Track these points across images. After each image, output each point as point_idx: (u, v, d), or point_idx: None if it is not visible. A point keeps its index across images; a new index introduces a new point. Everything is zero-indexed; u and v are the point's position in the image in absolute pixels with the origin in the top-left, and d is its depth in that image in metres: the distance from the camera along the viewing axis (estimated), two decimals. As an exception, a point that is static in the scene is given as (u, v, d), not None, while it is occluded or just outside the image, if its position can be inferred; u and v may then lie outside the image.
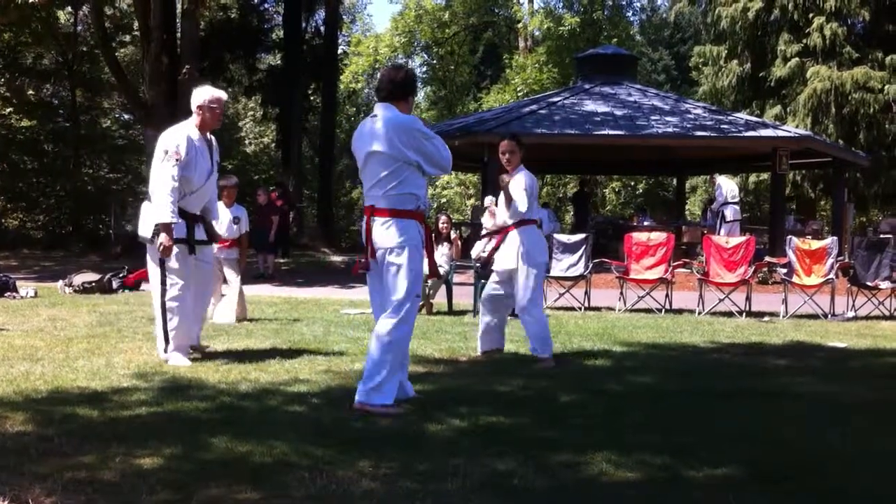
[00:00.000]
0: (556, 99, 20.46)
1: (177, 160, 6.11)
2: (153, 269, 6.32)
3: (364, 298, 10.42)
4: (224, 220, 8.95)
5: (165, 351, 6.30)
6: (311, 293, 12.80)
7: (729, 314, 10.47)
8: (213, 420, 4.54)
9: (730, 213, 17.25)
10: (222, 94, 6.52)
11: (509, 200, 6.63)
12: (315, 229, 27.79)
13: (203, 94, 6.36)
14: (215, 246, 8.69)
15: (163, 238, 5.99)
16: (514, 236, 6.67)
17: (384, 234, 4.85)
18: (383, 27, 53.48)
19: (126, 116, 31.39)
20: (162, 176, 6.11)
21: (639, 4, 43.28)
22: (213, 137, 6.56)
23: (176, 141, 6.18)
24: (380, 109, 4.97)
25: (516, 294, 6.70)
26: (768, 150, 17.71)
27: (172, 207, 6.04)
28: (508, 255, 6.70)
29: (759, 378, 6.28)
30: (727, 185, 17.71)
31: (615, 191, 36.64)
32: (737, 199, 17.40)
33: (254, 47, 27.63)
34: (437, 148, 4.91)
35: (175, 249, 6.12)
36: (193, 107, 6.38)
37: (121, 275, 12.84)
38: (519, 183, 6.59)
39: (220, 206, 8.97)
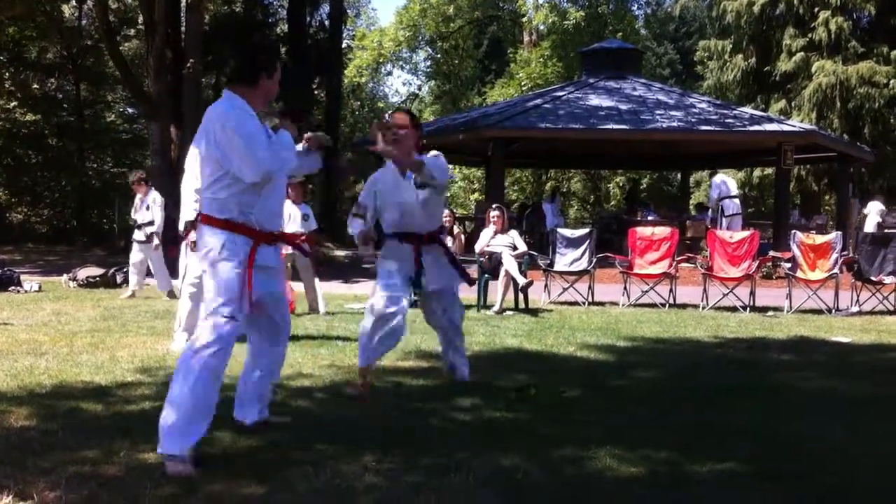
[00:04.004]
0: (560, 93, 20.44)
1: None
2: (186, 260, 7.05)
3: (368, 293, 10.47)
4: (296, 216, 9.48)
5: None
6: (315, 287, 12.78)
7: (733, 309, 10.45)
8: (217, 415, 4.52)
9: (730, 207, 17.23)
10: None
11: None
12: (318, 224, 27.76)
13: None
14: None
15: (191, 235, 6.55)
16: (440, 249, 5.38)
17: (199, 243, 3.98)
18: (388, 21, 53.49)
19: (130, 110, 31.42)
20: (185, 177, 6.71)
21: (643, -2, 43.18)
22: None
23: None
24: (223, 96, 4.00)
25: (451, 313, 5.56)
26: (773, 144, 17.69)
27: (195, 206, 6.54)
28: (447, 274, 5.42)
29: (763, 373, 6.27)
30: (726, 181, 17.73)
31: (619, 186, 36.58)
32: (736, 194, 17.46)
33: (258, 41, 27.65)
34: (250, 147, 3.76)
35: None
36: None
37: (125, 269, 12.86)
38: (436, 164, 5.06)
39: (289, 203, 9.37)
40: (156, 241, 11.03)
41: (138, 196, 11.44)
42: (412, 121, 5.15)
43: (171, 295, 10.55)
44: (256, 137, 3.80)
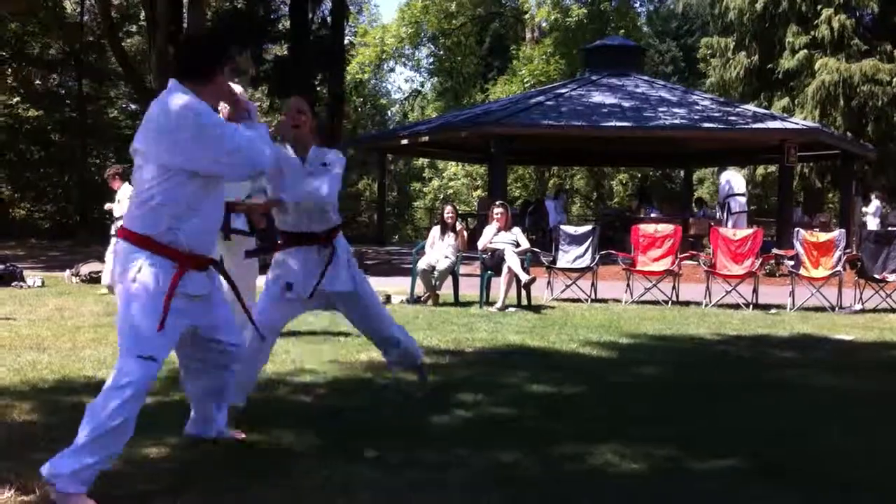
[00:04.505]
0: (563, 90, 20.42)
1: None
2: None
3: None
4: None
5: None
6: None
7: (736, 306, 10.44)
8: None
9: (735, 205, 17.21)
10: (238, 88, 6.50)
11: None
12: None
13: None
14: None
15: None
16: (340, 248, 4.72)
17: (118, 261, 3.45)
18: (390, 17, 53.44)
19: (133, 106, 31.43)
20: None
21: (646, -5, 43.13)
22: None
23: None
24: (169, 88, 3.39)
25: (375, 321, 4.86)
26: (776, 142, 17.67)
27: None
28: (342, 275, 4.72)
29: (765, 370, 6.27)
30: (733, 178, 17.69)
31: (622, 183, 36.57)
32: (742, 192, 17.44)
33: (260, 38, 27.63)
34: (227, 135, 3.29)
35: None
36: None
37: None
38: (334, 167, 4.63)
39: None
40: None
41: (117, 191, 11.49)
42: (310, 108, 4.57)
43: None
44: (228, 125, 3.37)
